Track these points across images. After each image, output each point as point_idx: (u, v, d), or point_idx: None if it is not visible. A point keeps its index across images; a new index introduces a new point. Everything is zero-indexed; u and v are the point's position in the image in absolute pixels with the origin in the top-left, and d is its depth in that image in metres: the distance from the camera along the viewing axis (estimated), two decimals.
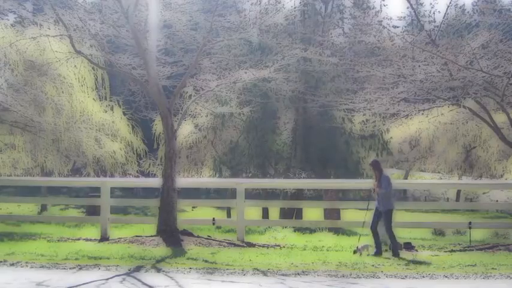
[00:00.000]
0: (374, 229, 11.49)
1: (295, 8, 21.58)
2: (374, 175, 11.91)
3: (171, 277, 8.86)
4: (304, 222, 21.56)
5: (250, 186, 17.37)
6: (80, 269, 9.58)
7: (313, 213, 25.97)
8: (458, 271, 9.61)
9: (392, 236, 11.40)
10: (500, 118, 16.49)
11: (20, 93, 18.36)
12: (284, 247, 12.47)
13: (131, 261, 10.22)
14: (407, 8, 19.85)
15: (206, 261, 10.35)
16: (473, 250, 12.11)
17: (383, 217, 11.47)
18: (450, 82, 14.07)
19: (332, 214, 23.09)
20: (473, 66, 13.48)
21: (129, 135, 22.72)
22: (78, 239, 13.34)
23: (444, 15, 15.46)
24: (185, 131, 26.82)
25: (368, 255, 11.10)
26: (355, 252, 11.19)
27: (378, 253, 11.30)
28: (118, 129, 22.17)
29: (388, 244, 11.52)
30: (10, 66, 18.46)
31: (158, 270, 9.44)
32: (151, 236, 12.74)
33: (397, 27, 27.43)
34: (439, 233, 20.40)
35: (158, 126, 26.23)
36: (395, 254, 11.21)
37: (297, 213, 24.71)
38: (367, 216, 11.80)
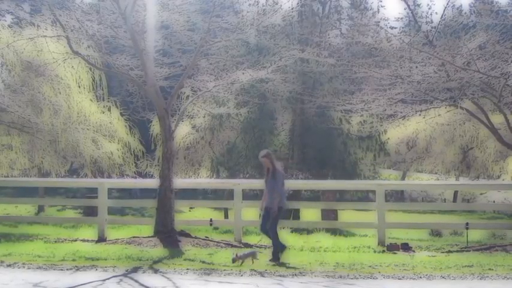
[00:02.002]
0: (265, 230, 10.70)
1: (292, 9, 21.55)
2: (266, 169, 10.76)
3: (168, 278, 8.85)
4: (302, 222, 21.56)
5: (247, 187, 17.37)
6: (77, 270, 9.56)
7: (310, 214, 26.00)
8: (455, 272, 9.62)
9: (275, 237, 10.54)
10: (497, 119, 16.52)
11: (17, 94, 18.36)
12: None
13: (128, 262, 10.21)
14: (405, 9, 19.93)
15: (203, 262, 10.34)
16: (470, 251, 12.13)
17: (270, 215, 10.53)
18: (447, 83, 14.10)
19: (329, 215, 23.14)
20: (470, 67, 13.50)
21: (127, 136, 22.71)
22: (76, 240, 13.31)
23: (441, 16, 15.53)
24: (182, 131, 26.83)
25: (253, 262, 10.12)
26: (234, 260, 10.11)
27: (275, 259, 10.40)
28: (115, 130, 22.15)
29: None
30: (7, 67, 18.47)
31: (155, 271, 9.43)
32: (149, 236, 12.73)
33: (395, 28, 27.43)
34: (436, 233, 20.44)
35: (156, 127, 26.26)
36: (275, 258, 10.34)
37: (294, 214, 24.72)
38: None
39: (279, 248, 10.51)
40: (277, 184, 10.51)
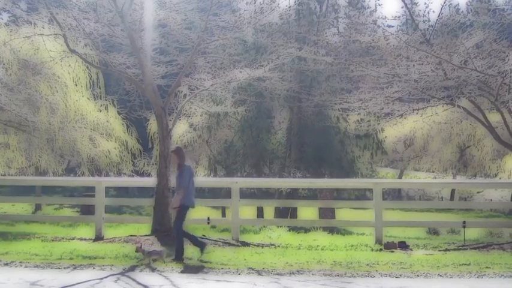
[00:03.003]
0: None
1: (290, 7, 21.55)
2: (176, 165, 10.58)
3: (165, 276, 8.86)
4: (299, 221, 21.56)
5: (245, 185, 17.35)
6: (75, 268, 9.56)
7: (307, 212, 25.99)
8: (452, 270, 9.64)
9: (179, 236, 10.30)
10: (494, 117, 16.54)
11: (14, 93, 18.29)
12: (279, 246, 12.47)
13: (126, 261, 10.21)
14: (402, 7, 19.98)
15: (201, 260, 10.35)
16: (467, 249, 12.15)
17: (176, 212, 10.41)
18: (444, 81, 14.11)
19: (327, 213, 23.14)
20: (467, 66, 13.51)
21: (124, 135, 22.67)
22: (73, 239, 13.30)
23: (438, 15, 15.51)
24: (180, 130, 26.80)
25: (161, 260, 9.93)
26: (136, 250, 10.07)
27: (178, 258, 10.19)
28: (113, 128, 22.12)
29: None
30: (4, 65, 18.40)
31: (153, 270, 9.43)
32: (146, 235, 12.73)
33: (392, 26, 27.50)
34: (433, 232, 20.47)
35: (153, 126, 26.20)
36: (177, 257, 10.11)
37: (292, 213, 24.74)
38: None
39: (181, 248, 10.28)
40: (183, 181, 10.30)
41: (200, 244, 10.58)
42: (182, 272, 9.28)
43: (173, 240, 12.03)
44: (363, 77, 16.86)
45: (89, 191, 19.77)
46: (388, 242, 12.50)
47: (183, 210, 10.38)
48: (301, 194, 25.96)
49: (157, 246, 10.88)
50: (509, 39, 14.35)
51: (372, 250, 11.97)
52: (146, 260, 9.85)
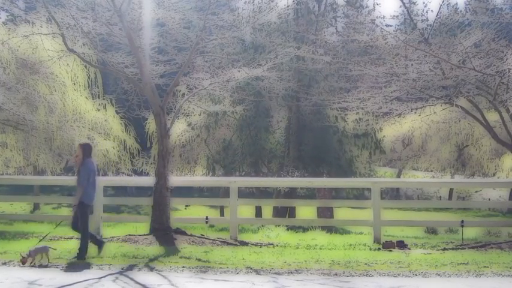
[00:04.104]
0: (75, 227, 10.35)
1: (288, 6, 21.54)
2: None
3: (164, 276, 8.85)
4: (297, 220, 21.58)
5: (243, 184, 17.37)
6: (73, 267, 9.55)
7: (306, 211, 26.03)
8: (450, 269, 9.64)
9: (84, 236, 10.17)
10: (492, 117, 16.56)
11: (12, 92, 18.28)
12: (277, 246, 12.47)
13: (124, 260, 10.20)
14: (400, 6, 19.90)
15: (199, 259, 10.35)
16: (465, 248, 12.16)
17: (77, 210, 10.15)
18: (443, 81, 14.12)
19: (325, 212, 23.16)
20: (465, 65, 13.52)
21: (122, 134, 22.64)
22: (71, 238, 13.28)
23: (437, 14, 15.52)
24: (178, 129, 26.79)
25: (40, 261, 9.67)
26: (24, 262, 9.56)
27: (81, 257, 10.10)
28: (111, 127, 22.09)
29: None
30: (2, 64, 18.37)
31: (151, 269, 9.42)
32: (144, 234, 12.72)
33: (390, 26, 27.42)
34: (431, 231, 20.52)
35: (151, 125, 26.20)
36: (79, 256, 10.06)
37: (290, 212, 24.75)
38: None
39: (86, 247, 10.22)
40: (80, 178, 10.17)
41: (99, 242, 10.55)
42: (180, 271, 9.27)
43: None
44: (361, 76, 16.84)
45: None
46: (386, 241, 12.51)
47: (82, 208, 10.26)
48: (299, 193, 25.98)
49: (37, 246, 10.31)
50: (507, 39, 14.35)
51: (370, 249, 11.98)
52: (31, 262, 9.63)
